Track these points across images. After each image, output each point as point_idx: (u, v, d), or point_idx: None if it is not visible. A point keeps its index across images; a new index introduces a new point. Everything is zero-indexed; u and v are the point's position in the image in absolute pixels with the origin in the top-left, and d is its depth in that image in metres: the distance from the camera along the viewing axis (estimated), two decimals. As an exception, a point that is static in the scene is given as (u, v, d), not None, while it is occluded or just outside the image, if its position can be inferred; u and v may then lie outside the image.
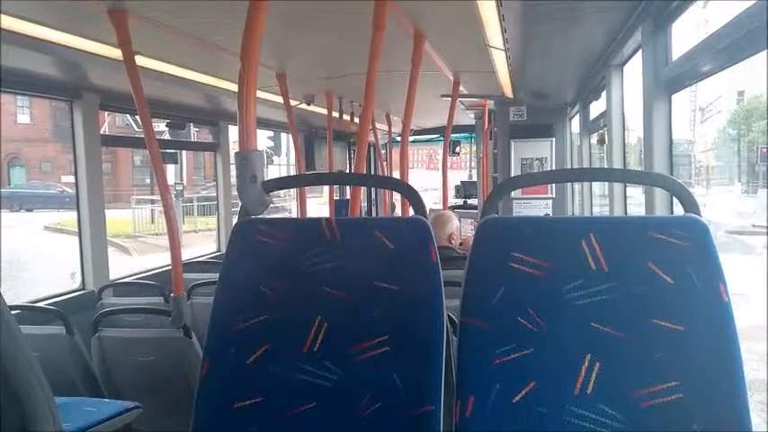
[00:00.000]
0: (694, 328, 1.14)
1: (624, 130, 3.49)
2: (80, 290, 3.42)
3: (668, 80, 2.39)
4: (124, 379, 2.73)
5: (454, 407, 1.17)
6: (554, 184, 5.48)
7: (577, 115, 5.31)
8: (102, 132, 3.71)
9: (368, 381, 1.21)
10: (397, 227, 1.31)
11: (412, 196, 1.36)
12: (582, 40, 3.28)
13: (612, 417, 1.12)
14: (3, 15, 2.29)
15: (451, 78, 4.11)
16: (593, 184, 4.95)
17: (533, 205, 5.54)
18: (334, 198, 5.55)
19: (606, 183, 3.92)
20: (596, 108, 4.49)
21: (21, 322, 1.88)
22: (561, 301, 1.17)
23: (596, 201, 5.13)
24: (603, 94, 3.80)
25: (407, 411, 1.18)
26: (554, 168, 5.50)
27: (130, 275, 4.10)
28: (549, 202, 5.53)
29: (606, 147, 3.71)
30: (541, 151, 5.58)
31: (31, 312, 2.81)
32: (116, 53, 2.60)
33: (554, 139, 5.57)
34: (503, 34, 2.97)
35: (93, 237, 3.45)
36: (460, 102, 5.40)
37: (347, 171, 7.28)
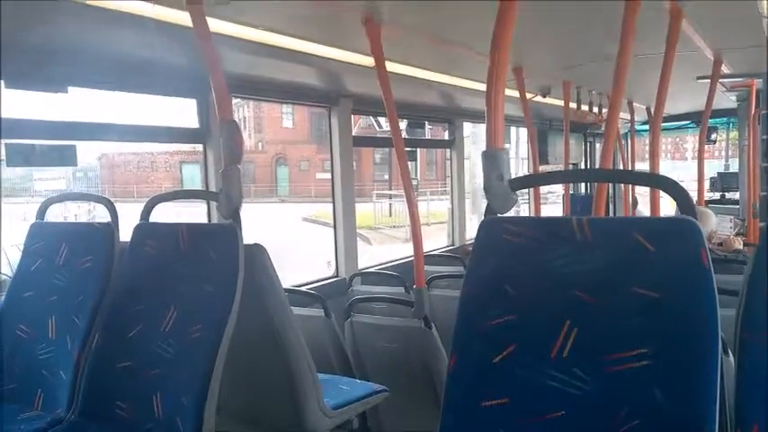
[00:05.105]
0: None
1: None
2: (334, 277, 3.76)
3: None
4: (371, 362, 2.94)
5: None
6: None
7: None
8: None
9: (625, 394, 1.13)
10: (660, 228, 1.21)
11: (678, 194, 1.22)
12: None
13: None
14: (275, 34, 2.61)
15: (711, 58, 3.61)
16: None
17: None
18: (570, 193, 5.29)
19: None
20: None
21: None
22: None
23: None
24: None
25: None
26: None
27: (374, 266, 4.40)
28: None
29: None
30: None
31: (295, 295, 3.19)
32: (368, 61, 2.81)
33: None
34: None
35: (345, 228, 3.75)
36: (720, 83, 4.71)
37: (582, 164, 6.88)
